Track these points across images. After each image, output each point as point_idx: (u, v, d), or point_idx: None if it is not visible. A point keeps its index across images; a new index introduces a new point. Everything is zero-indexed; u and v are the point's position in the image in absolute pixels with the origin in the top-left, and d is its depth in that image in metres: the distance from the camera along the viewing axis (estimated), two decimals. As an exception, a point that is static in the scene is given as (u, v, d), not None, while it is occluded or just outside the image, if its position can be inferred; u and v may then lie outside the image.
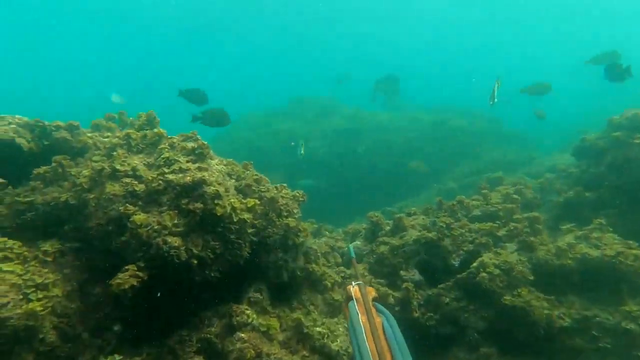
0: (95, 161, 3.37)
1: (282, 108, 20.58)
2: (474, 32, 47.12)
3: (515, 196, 5.71)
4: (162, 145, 3.57)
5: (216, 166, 3.79)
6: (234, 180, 3.85)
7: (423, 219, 5.37)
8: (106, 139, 3.73)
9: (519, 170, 11.81)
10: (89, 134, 3.72)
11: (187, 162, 3.43)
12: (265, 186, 3.88)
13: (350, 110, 18.45)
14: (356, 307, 2.16)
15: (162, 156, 3.43)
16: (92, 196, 3.13)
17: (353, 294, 2.27)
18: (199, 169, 3.33)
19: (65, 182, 3.24)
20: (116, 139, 3.62)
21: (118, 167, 3.30)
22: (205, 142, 3.65)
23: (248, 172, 3.96)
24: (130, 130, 3.70)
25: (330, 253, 5.18)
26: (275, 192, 3.92)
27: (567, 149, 13.14)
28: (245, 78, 49.54)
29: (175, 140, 3.63)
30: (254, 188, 3.73)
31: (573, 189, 6.21)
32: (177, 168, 3.26)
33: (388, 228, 5.35)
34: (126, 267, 2.85)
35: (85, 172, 3.20)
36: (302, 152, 8.50)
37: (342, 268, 5.07)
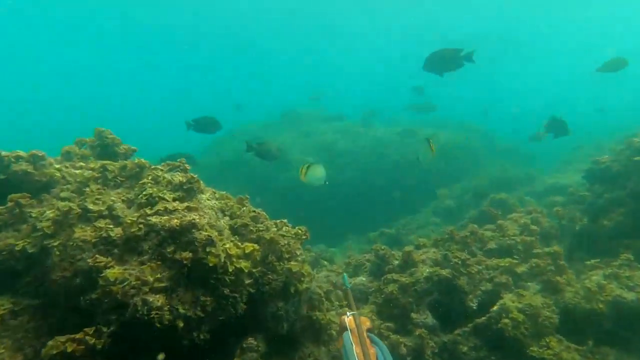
0: (63, 199, 2.84)
1: (275, 121, 20.20)
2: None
3: (533, 227, 5.29)
4: (145, 180, 3.05)
5: (207, 201, 3.28)
6: (227, 218, 3.34)
7: (434, 252, 4.90)
8: (78, 171, 3.19)
9: (519, 188, 11.49)
10: (57, 166, 3.18)
11: (174, 199, 2.92)
12: (263, 224, 3.38)
13: (342, 124, 18.10)
14: (350, 337, 2.16)
15: (144, 193, 2.91)
16: (56, 243, 2.59)
17: (347, 324, 2.27)
18: (188, 209, 2.82)
19: (24, 225, 2.70)
20: (89, 171, 3.08)
21: (90, 206, 2.77)
22: (195, 175, 3.14)
23: (244, 208, 3.45)
24: (107, 161, 3.17)
25: (332, 291, 4.67)
26: (275, 230, 3.42)
27: (567, 167, 13.06)
28: (241, 90, 49.33)
29: (159, 173, 3.10)
30: (251, 228, 3.22)
31: (587, 216, 5.83)
32: (162, 208, 2.74)
33: (396, 262, 4.86)
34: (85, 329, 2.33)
35: (50, 213, 2.66)
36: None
37: (346, 309, 4.61)
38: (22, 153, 3.05)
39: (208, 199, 3.36)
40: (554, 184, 9.81)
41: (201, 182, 3.38)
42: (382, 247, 5.10)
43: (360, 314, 2.42)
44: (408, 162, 14.63)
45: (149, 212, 2.71)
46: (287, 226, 3.62)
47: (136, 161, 3.21)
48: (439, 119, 19.76)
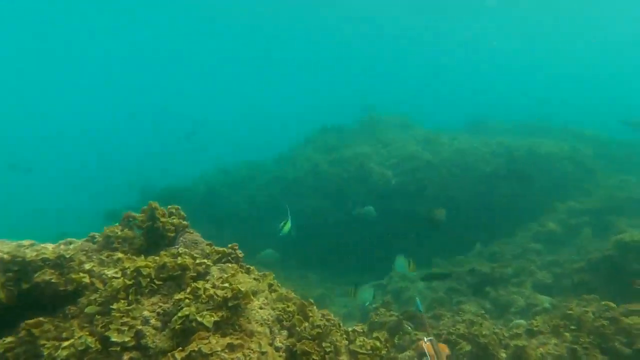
0: (84, 326, 2.29)
1: (352, 127, 19.43)
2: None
3: None
4: (182, 295, 2.41)
5: (260, 311, 2.58)
6: (285, 334, 2.61)
7: (556, 344, 3.76)
8: (110, 272, 2.65)
9: (646, 214, 9.49)
10: (87, 266, 2.66)
11: (216, 324, 2.25)
12: (331, 342, 2.59)
13: (424, 132, 16.76)
14: None
15: (179, 315, 2.27)
16: (69, 393, 2.04)
17: (426, 350, 2.25)
18: (230, 347, 2.12)
19: (36, 364, 2.20)
20: (120, 279, 2.51)
21: (114, 337, 2.20)
22: (244, 289, 2.43)
23: (307, 322, 2.69)
24: (141, 263, 2.59)
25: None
26: (346, 345, 2.63)
27: None
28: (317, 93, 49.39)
29: (200, 285, 2.44)
30: (314, 357, 2.45)
31: None
32: (196, 350, 2.07)
33: (504, 357, 3.80)
34: None
35: (63, 352, 2.12)
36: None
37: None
38: (48, 253, 2.57)
39: (261, 307, 2.65)
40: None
41: (250, 295, 2.71)
42: (484, 333, 4.05)
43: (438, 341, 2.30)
44: (499, 176, 13.03)
45: (178, 357, 2.06)
46: (361, 337, 2.81)
47: (179, 261, 2.58)
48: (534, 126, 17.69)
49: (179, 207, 3.33)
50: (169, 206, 3.31)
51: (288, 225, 7.01)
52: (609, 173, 12.46)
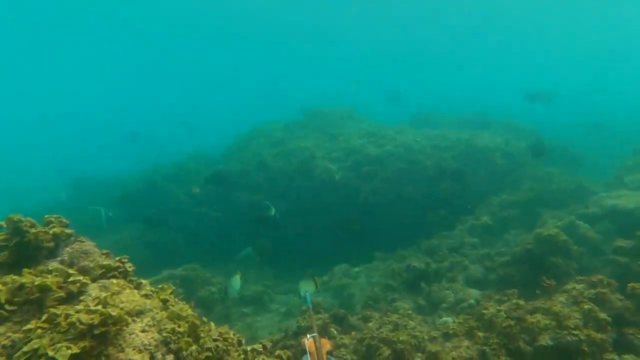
0: None
1: (298, 120, 19.27)
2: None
3: (602, 315, 3.98)
4: (32, 324, 2.11)
5: (141, 336, 2.34)
6: (171, 358, 2.37)
7: (467, 346, 3.80)
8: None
9: (568, 206, 9.98)
10: None
11: (76, 356, 1.99)
12: None
13: (369, 125, 16.89)
14: None
15: (24, 349, 1.98)
16: None
17: (307, 348, 2.23)
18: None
19: None
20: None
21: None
22: (116, 312, 2.17)
23: (196, 344, 2.45)
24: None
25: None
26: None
27: (628, 177, 11.36)
28: (264, 87, 48.73)
29: (59, 311, 2.14)
30: None
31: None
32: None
33: (418, 362, 3.78)
34: None
35: None
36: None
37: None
38: None
39: (144, 330, 2.41)
40: (613, 206, 8.31)
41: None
42: (401, 339, 4.01)
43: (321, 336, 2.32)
44: (440, 169, 13.34)
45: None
46: (262, 355, 2.65)
47: (37, 282, 2.27)
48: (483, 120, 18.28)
49: (60, 216, 3.01)
50: (47, 215, 2.98)
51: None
52: (537, 165, 13.05)
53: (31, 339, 2.03)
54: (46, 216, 2.98)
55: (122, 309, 2.24)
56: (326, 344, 2.33)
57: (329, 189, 13.64)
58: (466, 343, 3.88)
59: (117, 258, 2.87)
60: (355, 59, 51.10)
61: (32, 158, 35.11)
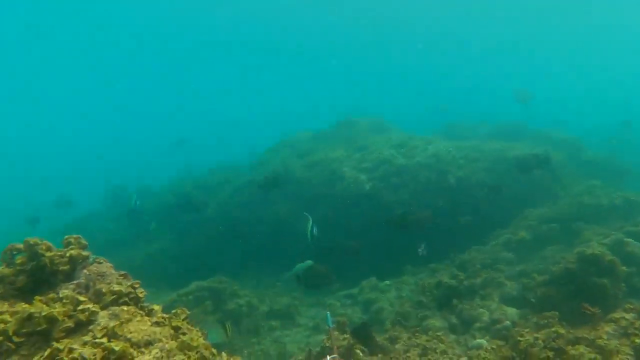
0: None
1: (328, 130, 19.25)
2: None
3: None
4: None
5: None
6: None
7: (501, 378, 3.53)
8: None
9: (613, 221, 9.39)
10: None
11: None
12: None
13: (400, 135, 16.61)
14: None
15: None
16: None
17: None
18: None
19: None
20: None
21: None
22: (119, 347, 2.09)
23: None
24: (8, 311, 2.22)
25: None
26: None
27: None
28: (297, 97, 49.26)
29: (63, 345, 2.09)
30: None
31: None
32: None
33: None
34: None
35: None
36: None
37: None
38: None
39: None
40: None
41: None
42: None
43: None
44: (473, 183, 12.87)
45: None
46: None
47: (44, 313, 2.23)
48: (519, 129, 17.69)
49: (80, 235, 2.98)
50: (67, 236, 2.96)
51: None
52: (577, 178, 12.42)
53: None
54: (66, 237, 2.96)
55: (128, 340, 2.15)
56: None
57: (358, 200, 13.41)
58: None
59: (129, 283, 2.81)
60: (389, 67, 50.93)
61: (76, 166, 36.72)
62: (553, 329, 3.87)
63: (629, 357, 3.31)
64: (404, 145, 15.00)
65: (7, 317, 2.15)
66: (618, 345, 3.43)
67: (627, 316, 3.75)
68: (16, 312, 2.19)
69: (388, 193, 13.40)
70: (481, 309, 7.41)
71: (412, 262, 11.44)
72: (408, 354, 4.47)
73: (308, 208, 13.69)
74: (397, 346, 5.15)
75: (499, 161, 13.25)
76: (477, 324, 7.03)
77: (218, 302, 9.06)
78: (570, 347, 3.46)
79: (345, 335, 5.14)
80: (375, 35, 46.34)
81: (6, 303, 2.43)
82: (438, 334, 5.06)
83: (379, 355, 4.70)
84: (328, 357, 2.35)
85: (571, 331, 3.83)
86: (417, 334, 5.10)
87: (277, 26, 44.86)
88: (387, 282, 11.15)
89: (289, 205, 13.83)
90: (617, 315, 3.86)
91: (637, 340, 3.44)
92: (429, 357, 4.22)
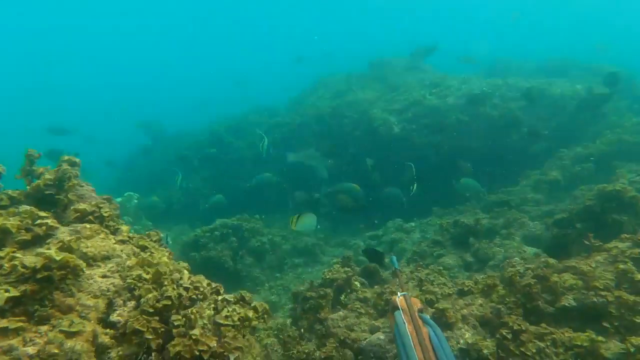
0: None
1: (361, 72, 18.66)
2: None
3: (638, 276, 3.40)
4: None
5: (100, 281, 2.32)
6: (133, 305, 2.37)
7: (481, 304, 3.53)
8: None
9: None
10: None
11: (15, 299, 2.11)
12: (184, 315, 2.37)
13: (434, 75, 15.83)
14: (402, 316, 2.19)
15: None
16: None
17: (399, 304, 2.30)
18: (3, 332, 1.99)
19: None
20: None
21: None
22: (60, 257, 2.25)
23: (156, 292, 2.46)
24: None
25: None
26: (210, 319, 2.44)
27: None
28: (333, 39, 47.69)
29: (4, 254, 2.24)
30: (147, 335, 2.24)
31: None
32: None
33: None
34: None
35: None
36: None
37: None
38: None
39: (105, 276, 2.38)
40: None
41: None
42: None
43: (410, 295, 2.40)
44: (508, 122, 12.22)
45: None
46: (234, 306, 2.59)
47: None
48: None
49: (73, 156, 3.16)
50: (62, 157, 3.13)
51: None
52: (624, 115, 11.46)
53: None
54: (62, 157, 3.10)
55: (84, 254, 2.30)
56: (416, 303, 2.38)
57: (389, 142, 13.16)
58: (480, 301, 3.62)
59: (94, 202, 2.89)
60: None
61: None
62: (542, 259, 3.79)
63: (609, 282, 3.20)
64: (437, 84, 14.35)
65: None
66: (602, 272, 3.31)
67: (620, 245, 3.57)
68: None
69: (419, 135, 13.05)
70: (497, 248, 7.33)
71: (440, 204, 11.30)
72: (406, 285, 4.57)
73: (338, 148, 13.72)
74: (396, 280, 5.25)
75: (539, 98, 12.41)
76: (491, 262, 7.01)
77: (241, 239, 9.46)
78: (555, 275, 3.38)
79: (347, 269, 5.27)
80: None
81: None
82: (440, 268, 5.09)
83: (375, 287, 4.85)
84: (399, 294, 2.36)
85: (563, 262, 3.73)
86: (419, 269, 5.15)
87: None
88: (412, 223, 11.13)
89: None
90: (611, 244, 3.69)
91: (620, 266, 3.30)
92: (424, 287, 4.29)
